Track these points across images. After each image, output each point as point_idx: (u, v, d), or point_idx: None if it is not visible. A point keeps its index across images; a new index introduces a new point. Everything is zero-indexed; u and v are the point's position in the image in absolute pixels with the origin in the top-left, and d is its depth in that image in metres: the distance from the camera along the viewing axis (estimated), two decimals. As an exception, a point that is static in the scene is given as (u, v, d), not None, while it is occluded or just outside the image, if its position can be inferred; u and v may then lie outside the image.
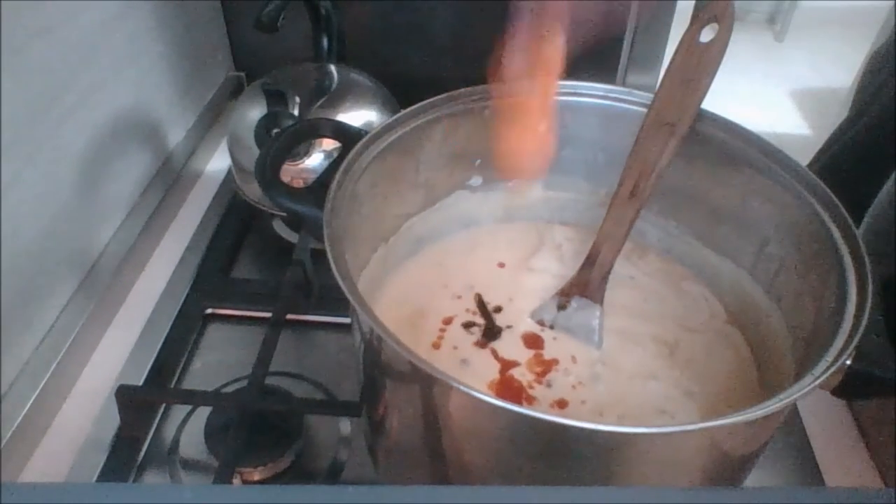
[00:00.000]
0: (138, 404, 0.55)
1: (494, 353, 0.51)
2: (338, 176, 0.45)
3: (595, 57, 0.85)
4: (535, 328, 0.53)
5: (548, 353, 0.51)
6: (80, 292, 0.61)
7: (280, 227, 0.75)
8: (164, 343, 0.63)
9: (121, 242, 0.68)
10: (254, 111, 0.67)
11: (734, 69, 0.84)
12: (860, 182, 0.59)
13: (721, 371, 0.50)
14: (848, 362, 0.36)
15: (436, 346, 0.51)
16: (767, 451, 0.43)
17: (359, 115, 0.68)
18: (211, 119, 0.89)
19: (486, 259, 0.58)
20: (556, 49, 0.49)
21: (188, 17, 0.82)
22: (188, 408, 0.57)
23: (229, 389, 0.58)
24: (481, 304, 0.54)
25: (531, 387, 0.48)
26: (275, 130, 0.65)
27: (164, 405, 0.58)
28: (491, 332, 0.52)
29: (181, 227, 0.76)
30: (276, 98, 0.66)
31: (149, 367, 0.60)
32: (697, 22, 0.47)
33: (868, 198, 0.60)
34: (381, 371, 0.42)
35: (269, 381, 0.56)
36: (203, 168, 0.86)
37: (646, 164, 0.49)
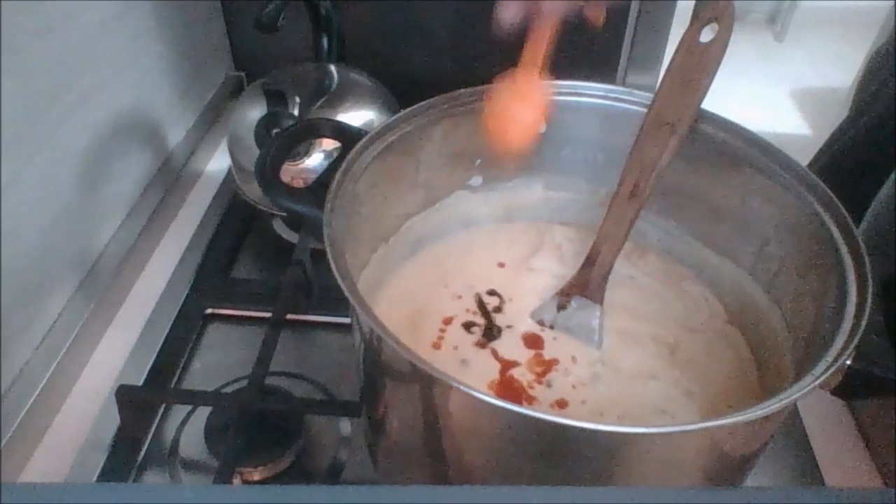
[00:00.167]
0: (138, 404, 0.55)
1: (494, 353, 0.51)
2: (338, 176, 0.45)
3: (595, 57, 0.85)
4: (536, 328, 0.53)
5: (548, 353, 0.51)
6: (80, 292, 0.61)
7: (280, 227, 0.75)
8: (164, 343, 0.63)
9: (121, 242, 0.68)
10: (254, 111, 0.67)
11: (734, 69, 0.84)
12: (860, 182, 0.59)
13: (721, 371, 0.50)
14: (848, 362, 0.36)
15: (436, 346, 0.51)
16: (767, 451, 0.43)
17: (359, 115, 0.68)
18: (211, 119, 0.89)
19: (486, 259, 0.58)
20: (541, 44, 0.49)
21: (188, 17, 0.82)
22: (188, 408, 0.57)
23: (229, 389, 0.58)
24: (481, 304, 0.54)
25: (531, 387, 0.48)
26: (275, 130, 0.65)
27: (164, 405, 0.58)
28: (491, 332, 0.52)
29: (181, 227, 0.76)
30: (276, 98, 0.66)
31: (149, 367, 0.60)
32: (697, 22, 0.47)
33: (868, 198, 0.60)
34: (381, 371, 0.42)
35: (269, 381, 0.56)
36: (203, 168, 0.86)
37: (646, 163, 0.49)
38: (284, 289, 0.61)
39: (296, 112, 0.66)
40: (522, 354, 0.51)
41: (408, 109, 0.51)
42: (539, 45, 0.49)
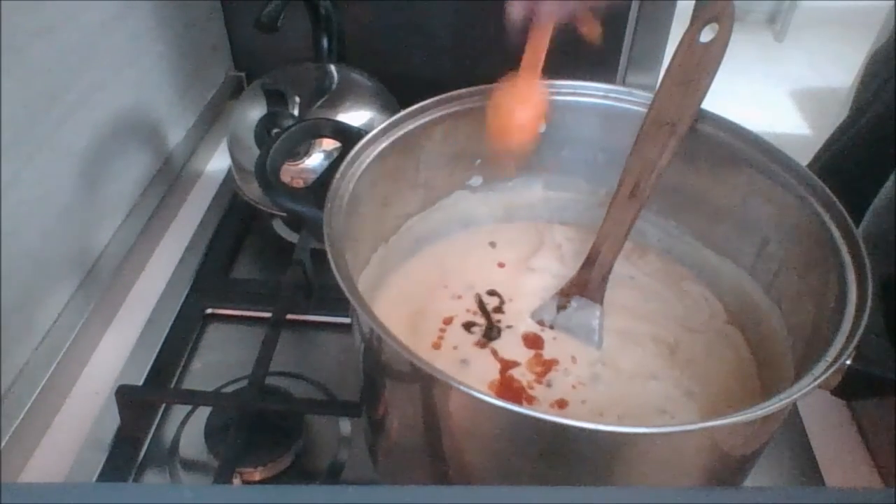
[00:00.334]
0: (138, 404, 0.55)
1: (494, 353, 0.51)
2: (338, 176, 0.45)
3: (595, 57, 0.85)
4: (536, 328, 0.53)
5: (548, 353, 0.51)
6: (80, 292, 0.61)
7: (280, 227, 0.75)
8: (164, 343, 0.63)
9: (121, 242, 0.68)
10: (254, 111, 0.67)
11: (734, 69, 0.84)
12: (860, 182, 0.59)
13: (721, 371, 0.50)
14: (848, 362, 0.36)
15: (436, 346, 0.51)
16: (767, 451, 0.43)
17: (359, 115, 0.68)
18: (211, 119, 0.89)
19: (486, 259, 0.58)
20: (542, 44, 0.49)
21: (188, 17, 0.82)
22: (188, 408, 0.57)
23: (229, 389, 0.58)
24: (481, 304, 0.54)
25: (531, 387, 0.48)
26: (275, 130, 0.65)
27: (164, 405, 0.58)
28: (491, 332, 0.52)
29: (181, 227, 0.76)
30: (276, 98, 0.66)
31: (149, 367, 0.60)
32: (697, 22, 0.47)
33: (868, 198, 0.60)
34: (381, 371, 0.42)
35: (269, 381, 0.56)
36: (203, 168, 0.86)
37: (646, 164, 0.49)
38: (284, 289, 0.61)
39: (296, 112, 0.66)
40: (522, 354, 0.51)
41: (408, 109, 0.51)
42: (539, 46, 0.49)
